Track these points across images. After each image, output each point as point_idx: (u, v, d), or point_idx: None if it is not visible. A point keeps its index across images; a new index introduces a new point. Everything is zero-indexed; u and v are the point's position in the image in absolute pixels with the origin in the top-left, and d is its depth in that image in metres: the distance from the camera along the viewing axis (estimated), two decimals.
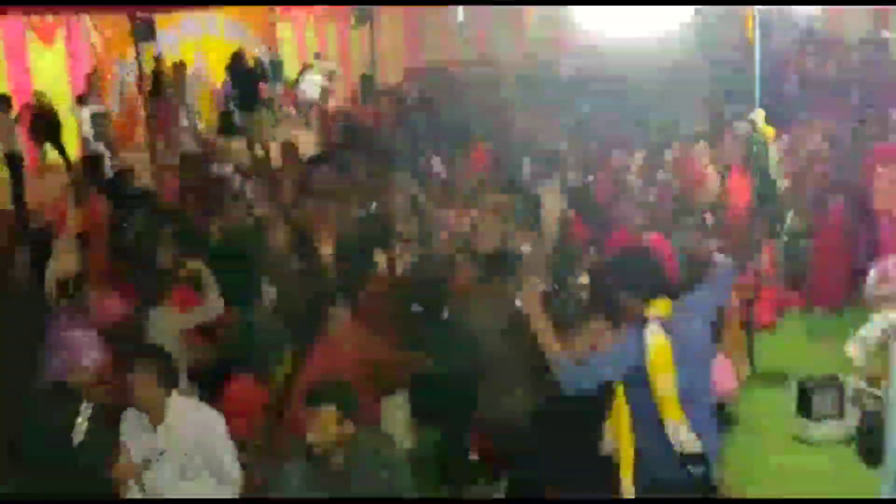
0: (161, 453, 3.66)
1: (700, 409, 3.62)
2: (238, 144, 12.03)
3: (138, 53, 9.12)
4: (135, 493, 3.71)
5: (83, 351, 3.43)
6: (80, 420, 3.45)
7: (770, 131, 6.59)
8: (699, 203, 7.28)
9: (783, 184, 6.50)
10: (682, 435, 3.52)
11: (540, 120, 10.73)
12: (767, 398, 6.33)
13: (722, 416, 5.64)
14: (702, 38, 17.94)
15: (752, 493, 5.34)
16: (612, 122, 10.77)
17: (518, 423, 4.42)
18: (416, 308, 5.07)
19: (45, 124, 12.43)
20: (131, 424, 3.78)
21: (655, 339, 3.49)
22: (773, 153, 6.52)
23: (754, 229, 6.81)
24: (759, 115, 6.46)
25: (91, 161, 9.94)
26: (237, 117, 13.29)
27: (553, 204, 7.48)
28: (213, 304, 5.19)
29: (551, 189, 7.83)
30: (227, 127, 13.50)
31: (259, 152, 12.13)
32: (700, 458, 3.55)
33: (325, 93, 16.11)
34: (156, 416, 3.74)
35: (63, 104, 14.13)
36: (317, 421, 3.50)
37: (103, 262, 6.44)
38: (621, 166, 8.10)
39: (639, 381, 3.54)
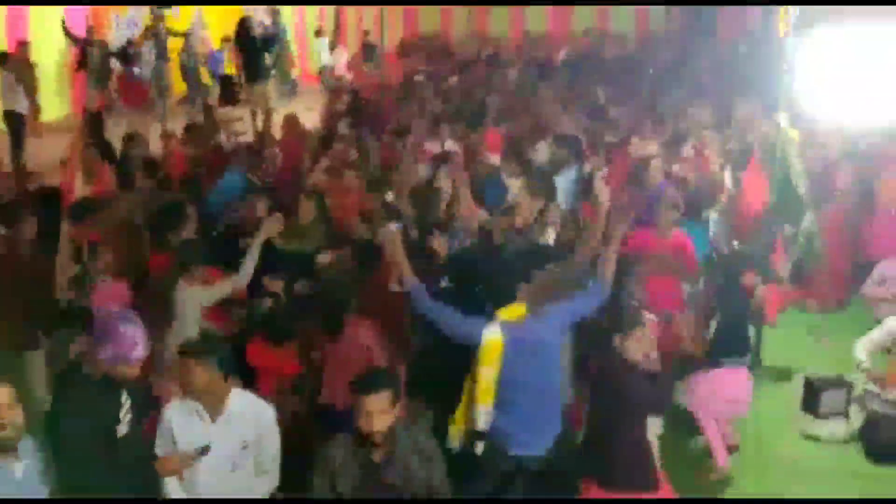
0: (206, 447, 3.60)
1: (536, 404, 4.16)
2: (240, 113, 11.82)
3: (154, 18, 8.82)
4: (176, 488, 3.66)
5: (131, 346, 3.35)
6: (123, 412, 3.46)
7: (794, 134, 6.59)
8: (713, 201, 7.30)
9: (804, 186, 6.58)
10: (483, 416, 4.12)
11: (553, 104, 10.60)
12: (773, 394, 6.41)
13: None
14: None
15: (754, 487, 5.45)
16: (623, 107, 10.69)
17: None
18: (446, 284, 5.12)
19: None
20: (182, 416, 3.66)
21: (489, 337, 4.05)
22: (795, 156, 6.54)
23: (768, 230, 6.85)
24: (783, 116, 6.45)
25: (93, 121, 9.58)
26: (241, 86, 13.07)
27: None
28: (243, 275, 5.06)
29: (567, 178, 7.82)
30: (228, 96, 13.25)
31: (259, 125, 11.93)
32: (483, 436, 4.15)
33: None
34: (215, 408, 3.63)
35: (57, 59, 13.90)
36: (375, 407, 3.39)
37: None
38: (638, 157, 8.00)
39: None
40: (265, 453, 3.80)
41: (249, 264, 5.08)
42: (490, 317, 4.17)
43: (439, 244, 5.55)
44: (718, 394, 5.47)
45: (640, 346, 4.49)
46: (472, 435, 4.21)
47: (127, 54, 13.84)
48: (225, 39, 15.01)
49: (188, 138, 9.24)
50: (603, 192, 4.91)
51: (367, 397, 3.40)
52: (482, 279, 4.74)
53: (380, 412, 3.40)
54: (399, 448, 3.50)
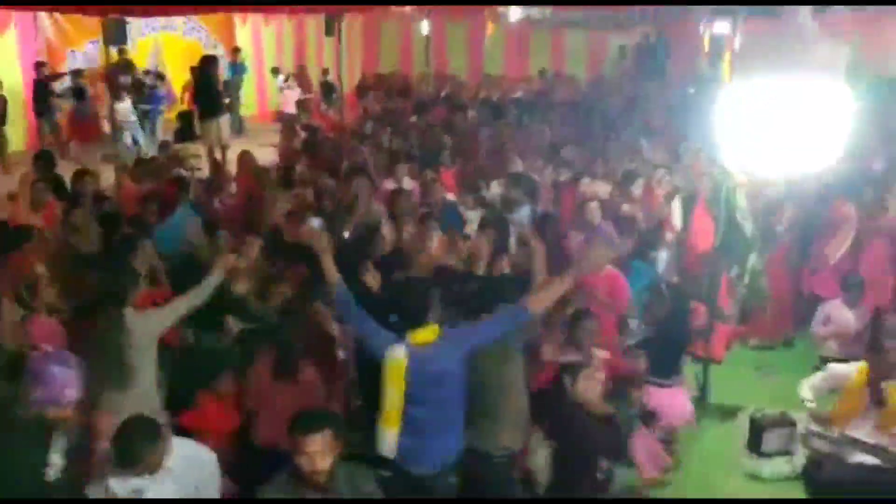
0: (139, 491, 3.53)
1: (433, 424, 4.05)
2: (196, 149, 11.79)
3: (108, 54, 8.80)
4: None
5: (62, 387, 3.29)
6: (54, 456, 3.37)
7: (739, 176, 6.79)
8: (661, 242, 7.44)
9: (749, 227, 6.76)
10: (387, 441, 4.02)
11: (507, 143, 10.73)
12: (719, 431, 6.48)
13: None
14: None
15: None
16: (575, 147, 10.85)
17: None
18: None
19: None
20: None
21: (393, 358, 3.98)
22: (741, 198, 6.74)
23: (714, 268, 7.01)
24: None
25: (45, 157, 9.37)
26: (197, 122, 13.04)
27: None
28: (197, 296, 4.76)
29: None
30: (185, 131, 13.20)
31: (217, 156, 11.92)
32: (390, 465, 4.07)
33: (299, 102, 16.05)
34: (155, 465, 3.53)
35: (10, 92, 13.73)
36: (316, 448, 3.36)
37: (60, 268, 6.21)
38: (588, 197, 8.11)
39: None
40: (208, 500, 3.74)
41: (206, 289, 4.78)
42: (402, 336, 4.07)
43: (372, 278, 5.56)
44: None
45: (590, 386, 4.49)
46: (380, 462, 4.11)
47: (79, 90, 13.73)
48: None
49: (138, 173, 9.16)
50: (535, 242, 4.92)
51: (307, 437, 3.37)
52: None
53: (321, 452, 3.37)
54: (337, 489, 3.46)
